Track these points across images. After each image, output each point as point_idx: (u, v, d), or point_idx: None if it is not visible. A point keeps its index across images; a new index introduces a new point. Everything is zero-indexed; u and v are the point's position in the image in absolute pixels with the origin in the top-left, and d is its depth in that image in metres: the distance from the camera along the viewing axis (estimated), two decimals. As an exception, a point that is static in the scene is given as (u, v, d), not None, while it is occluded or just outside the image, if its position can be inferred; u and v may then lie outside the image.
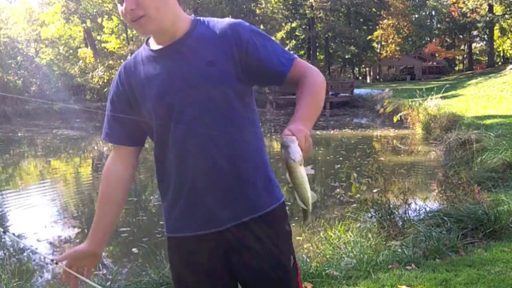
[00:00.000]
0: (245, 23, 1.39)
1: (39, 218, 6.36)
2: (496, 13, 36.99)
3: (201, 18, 1.44)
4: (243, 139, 1.37)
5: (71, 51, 37.14)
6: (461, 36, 50.77)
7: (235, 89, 1.35)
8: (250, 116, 1.41)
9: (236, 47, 1.34)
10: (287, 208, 1.51)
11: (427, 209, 4.83)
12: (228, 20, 1.40)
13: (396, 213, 4.40)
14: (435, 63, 49.49)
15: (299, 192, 1.22)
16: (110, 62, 31.30)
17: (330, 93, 25.25)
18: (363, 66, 54.60)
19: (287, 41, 45.24)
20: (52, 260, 1.68)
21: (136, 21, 1.32)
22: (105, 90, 29.16)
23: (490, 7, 36.46)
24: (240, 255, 1.39)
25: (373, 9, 43.46)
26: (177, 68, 1.36)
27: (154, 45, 1.42)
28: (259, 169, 1.41)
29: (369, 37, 46.26)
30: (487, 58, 44.45)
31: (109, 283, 3.36)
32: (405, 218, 4.41)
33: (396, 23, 46.34)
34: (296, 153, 1.17)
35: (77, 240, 5.56)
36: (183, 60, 1.36)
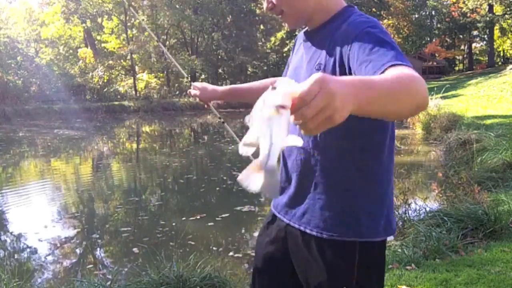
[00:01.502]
0: (374, 30, 1.14)
1: (39, 218, 6.36)
2: (496, 13, 37.02)
3: (350, 10, 1.29)
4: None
5: (71, 51, 37.17)
6: (461, 36, 50.78)
7: None
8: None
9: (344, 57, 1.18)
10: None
11: (427, 209, 4.83)
12: (361, 23, 1.19)
13: (396, 213, 4.40)
14: (435, 63, 49.48)
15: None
16: (110, 62, 31.32)
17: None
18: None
19: (287, 41, 45.23)
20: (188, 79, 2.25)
21: (281, 18, 1.36)
22: (105, 90, 29.22)
23: (490, 7, 36.49)
24: None
25: (373, 9, 43.48)
26: (299, 63, 1.39)
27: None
28: None
29: (369, 37, 46.22)
30: (487, 58, 44.46)
31: (109, 283, 3.36)
32: (405, 218, 4.41)
33: (396, 23, 46.36)
34: (280, 95, 0.72)
35: (77, 240, 5.56)
36: (306, 56, 1.34)
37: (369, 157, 1.27)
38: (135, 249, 4.86)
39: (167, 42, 36.04)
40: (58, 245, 5.35)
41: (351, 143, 1.25)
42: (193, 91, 1.88)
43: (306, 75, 1.23)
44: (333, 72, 1.18)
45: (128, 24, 32.84)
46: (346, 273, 1.26)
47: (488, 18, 36.43)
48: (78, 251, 5.28)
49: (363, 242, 1.25)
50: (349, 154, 1.26)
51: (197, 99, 1.90)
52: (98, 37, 37.28)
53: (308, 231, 1.29)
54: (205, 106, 1.93)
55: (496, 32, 41.83)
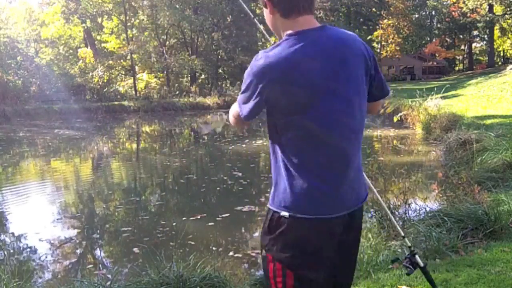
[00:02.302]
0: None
1: (39, 218, 6.36)
2: (496, 13, 37.00)
3: (280, 43, 1.55)
4: None
5: (71, 51, 37.15)
6: (461, 36, 50.79)
7: None
8: None
9: None
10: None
11: (427, 209, 4.83)
12: None
13: (396, 213, 4.40)
14: (435, 63, 49.49)
15: None
16: (110, 62, 31.29)
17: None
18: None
19: (287, 41, 45.23)
20: None
21: None
22: (105, 90, 29.21)
23: (490, 7, 36.48)
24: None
25: (373, 9, 43.49)
26: None
27: None
28: None
29: (369, 37, 46.24)
30: (487, 58, 44.47)
31: (109, 283, 3.36)
32: (405, 218, 4.41)
33: (396, 23, 46.32)
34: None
35: (77, 240, 5.56)
36: None
37: None
38: (135, 249, 4.86)
39: (167, 42, 36.05)
40: (58, 245, 5.35)
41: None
42: None
43: None
44: None
45: (128, 24, 32.82)
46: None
47: (488, 18, 36.42)
48: (78, 251, 5.28)
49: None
50: None
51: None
52: (98, 37, 37.27)
53: None
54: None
55: (496, 32, 41.82)
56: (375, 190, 2.31)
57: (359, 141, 1.61)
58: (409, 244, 2.14)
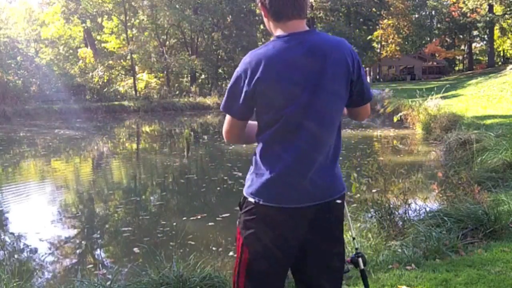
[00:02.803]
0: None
1: (39, 218, 6.36)
2: (496, 13, 37.02)
3: (267, 43, 1.70)
4: None
5: (71, 51, 37.16)
6: (461, 36, 50.80)
7: None
8: None
9: None
10: None
11: (427, 209, 4.83)
12: None
13: (396, 213, 4.40)
14: (435, 63, 49.50)
15: None
16: (110, 62, 31.29)
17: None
18: (363, 66, 54.49)
19: (287, 41, 45.20)
20: None
21: None
22: (105, 90, 29.22)
23: (490, 7, 36.49)
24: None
25: (373, 9, 43.47)
26: None
27: None
28: None
29: (369, 37, 46.26)
30: (487, 58, 44.47)
31: (109, 283, 3.35)
32: (405, 218, 4.41)
33: (396, 23, 46.35)
34: None
35: (77, 240, 5.56)
36: None
37: None
38: (135, 249, 4.86)
39: (167, 42, 36.04)
40: (58, 245, 5.35)
41: None
42: None
43: None
44: None
45: (128, 24, 32.82)
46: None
47: (488, 18, 36.44)
48: (78, 251, 5.28)
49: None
50: None
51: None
52: (98, 37, 37.26)
53: None
54: None
55: (496, 32, 41.83)
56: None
57: (330, 139, 1.71)
58: (357, 246, 2.31)
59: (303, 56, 1.62)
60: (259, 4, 1.73)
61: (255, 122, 1.76)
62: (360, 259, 2.14)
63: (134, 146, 15.47)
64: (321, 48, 1.64)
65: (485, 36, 44.50)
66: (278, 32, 1.68)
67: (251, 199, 1.69)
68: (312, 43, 1.64)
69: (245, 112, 1.69)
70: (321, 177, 1.69)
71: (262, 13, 1.74)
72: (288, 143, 1.65)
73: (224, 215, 5.92)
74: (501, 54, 52.62)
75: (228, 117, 1.73)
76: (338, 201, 1.77)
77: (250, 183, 1.72)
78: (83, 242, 5.53)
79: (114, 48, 34.46)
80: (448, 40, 52.43)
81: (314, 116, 1.64)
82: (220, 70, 39.35)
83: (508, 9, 35.44)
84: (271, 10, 1.68)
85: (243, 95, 1.64)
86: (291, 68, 1.60)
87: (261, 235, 1.68)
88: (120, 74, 33.36)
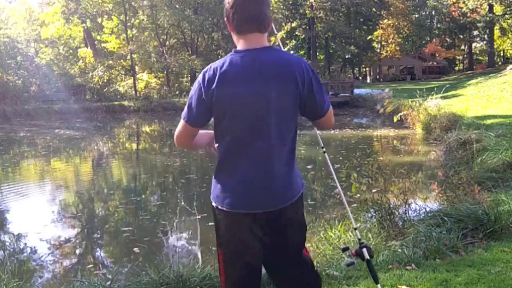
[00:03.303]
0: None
1: (39, 218, 6.36)
2: (496, 13, 36.98)
3: None
4: None
5: (71, 51, 37.14)
6: (461, 36, 50.76)
7: None
8: None
9: None
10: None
11: (427, 209, 4.82)
12: None
13: (396, 213, 4.40)
14: (435, 63, 49.47)
15: None
16: (110, 62, 31.29)
17: (330, 93, 25.23)
18: (363, 66, 54.60)
19: (287, 41, 45.22)
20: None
21: None
22: (105, 90, 29.22)
23: (490, 7, 36.46)
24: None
25: (373, 9, 43.44)
26: None
27: None
28: None
29: (369, 37, 46.26)
30: (487, 58, 44.44)
31: (109, 283, 3.35)
32: (405, 218, 4.41)
33: (396, 23, 46.31)
34: None
35: (77, 240, 5.56)
36: None
37: None
38: (135, 249, 4.86)
39: (167, 42, 36.03)
40: (58, 245, 5.35)
41: None
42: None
43: None
44: None
45: (128, 24, 32.81)
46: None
47: (488, 18, 36.41)
48: (78, 251, 5.28)
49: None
50: None
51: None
52: (98, 37, 37.24)
53: None
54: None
55: (496, 32, 41.81)
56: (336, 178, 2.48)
57: (283, 147, 1.79)
58: (359, 237, 2.31)
59: (254, 73, 1.72)
60: (225, 19, 1.83)
61: (205, 131, 1.93)
62: (364, 250, 2.13)
63: (134, 146, 15.47)
64: (271, 66, 1.74)
65: (485, 36, 44.46)
66: (240, 45, 1.80)
67: (213, 204, 1.84)
68: (264, 61, 1.74)
69: (199, 120, 1.80)
70: (275, 184, 1.78)
71: (228, 27, 1.84)
72: (242, 153, 1.76)
73: (224, 215, 5.91)
74: (501, 54, 52.61)
75: (182, 121, 1.84)
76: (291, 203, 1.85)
77: (212, 188, 1.86)
78: (83, 242, 5.53)
79: (114, 48, 34.43)
80: (448, 40, 52.39)
81: (263, 132, 1.73)
82: (220, 70, 39.26)
83: (508, 9, 35.41)
84: (233, 24, 1.80)
85: (200, 104, 1.75)
86: (241, 84, 1.72)
87: (227, 238, 1.84)
88: (120, 74, 33.35)
